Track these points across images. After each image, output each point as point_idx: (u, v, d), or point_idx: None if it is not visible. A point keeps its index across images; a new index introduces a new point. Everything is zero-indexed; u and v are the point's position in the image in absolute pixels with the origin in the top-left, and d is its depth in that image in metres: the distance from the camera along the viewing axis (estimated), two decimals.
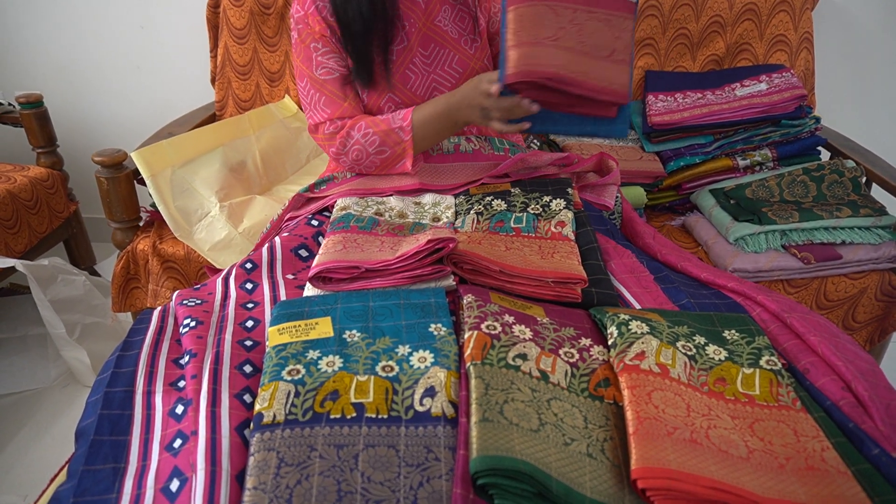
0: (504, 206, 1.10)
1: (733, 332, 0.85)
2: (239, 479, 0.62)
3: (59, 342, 1.62)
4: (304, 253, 1.04)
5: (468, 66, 1.20)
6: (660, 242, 1.18)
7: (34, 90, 1.79)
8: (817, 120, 1.54)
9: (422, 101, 1.17)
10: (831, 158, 1.55)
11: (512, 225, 1.05)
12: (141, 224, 1.49)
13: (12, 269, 1.57)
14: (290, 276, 0.99)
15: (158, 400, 0.74)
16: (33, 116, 1.75)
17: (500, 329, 0.78)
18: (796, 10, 1.68)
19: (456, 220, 1.09)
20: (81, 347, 1.60)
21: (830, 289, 1.34)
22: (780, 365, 0.79)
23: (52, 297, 1.58)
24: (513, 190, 1.14)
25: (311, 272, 0.88)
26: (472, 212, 1.10)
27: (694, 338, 0.82)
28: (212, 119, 1.82)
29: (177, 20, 1.94)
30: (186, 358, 0.77)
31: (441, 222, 1.07)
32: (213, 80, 1.84)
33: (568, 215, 1.05)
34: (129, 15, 1.95)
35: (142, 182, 1.41)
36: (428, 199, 1.14)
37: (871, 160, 1.50)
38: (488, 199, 1.12)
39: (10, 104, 1.84)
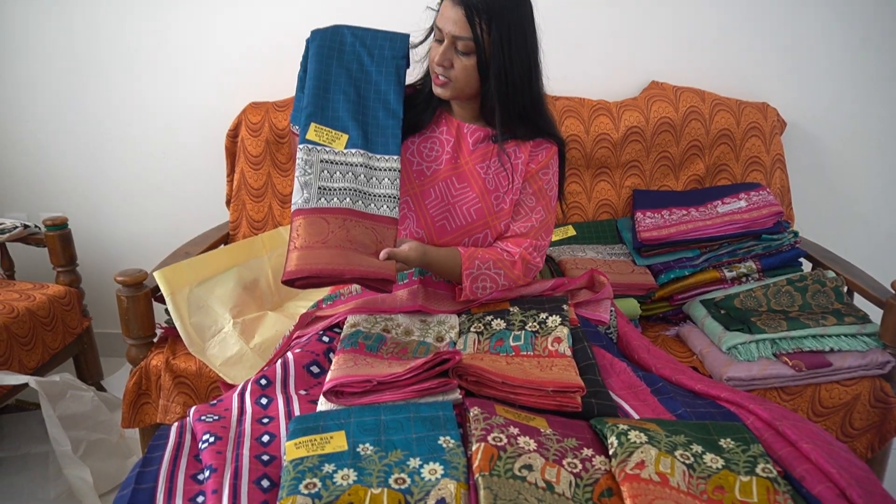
0: (503, 324, 1.17)
1: (729, 440, 0.89)
2: None
3: (62, 460, 1.62)
4: (315, 370, 1.09)
5: (483, 218, 1.24)
6: (655, 356, 1.24)
7: (58, 211, 1.90)
8: (795, 234, 1.64)
9: (432, 220, 1.25)
10: (813, 269, 1.64)
11: (511, 343, 1.11)
12: (155, 340, 1.55)
13: (23, 386, 1.60)
14: (302, 392, 1.03)
15: None
16: (57, 238, 1.84)
17: (505, 440, 0.82)
18: (766, 136, 1.84)
19: (458, 339, 1.15)
20: (85, 465, 1.60)
21: (824, 396, 1.38)
22: (776, 472, 0.82)
23: (60, 414, 1.59)
24: (511, 308, 1.21)
25: (326, 387, 0.93)
26: (472, 331, 1.16)
27: (691, 446, 0.86)
28: (226, 238, 1.93)
29: (196, 148, 2.09)
30: (206, 473, 0.80)
31: (444, 343, 1.13)
32: (228, 202, 1.96)
33: (564, 331, 1.11)
34: (153, 143, 2.11)
35: (158, 299, 1.48)
36: (433, 317, 1.20)
37: (849, 270, 1.58)
38: (488, 318, 1.19)
39: (35, 226, 1.94)
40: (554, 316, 1.16)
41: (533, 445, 0.83)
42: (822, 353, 1.38)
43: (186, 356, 1.46)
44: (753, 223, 1.60)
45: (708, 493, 0.78)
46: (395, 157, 1.19)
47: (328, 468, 0.79)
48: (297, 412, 0.96)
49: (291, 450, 0.81)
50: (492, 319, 1.18)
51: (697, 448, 0.86)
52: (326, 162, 1.17)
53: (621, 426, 0.87)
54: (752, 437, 0.89)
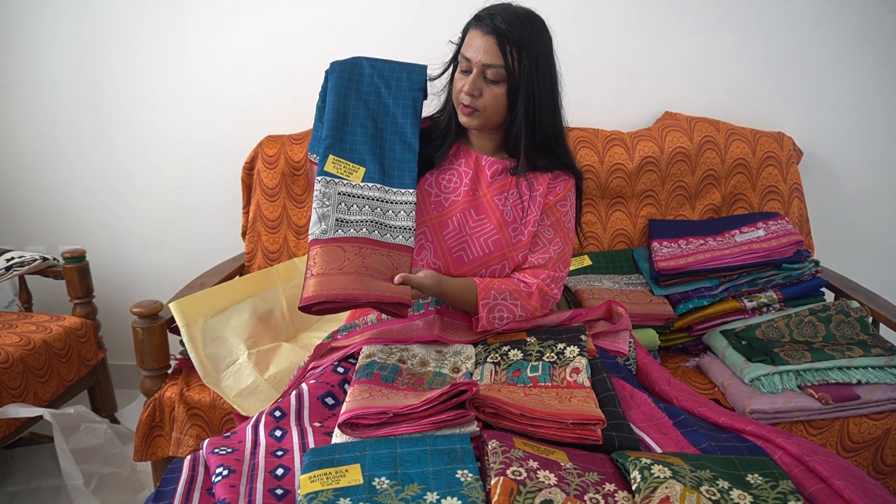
0: (520, 355, 1.15)
1: (756, 476, 0.86)
2: None
3: (74, 494, 1.60)
4: (330, 401, 1.08)
5: (501, 250, 1.24)
6: (676, 388, 1.21)
7: (77, 244, 1.92)
8: (816, 263, 1.61)
9: (449, 251, 1.25)
10: (836, 299, 1.60)
11: (528, 374, 1.09)
12: (169, 371, 1.54)
13: (37, 419, 1.59)
14: (317, 424, 1.02)
15: None
16: (75, 270, 1.86)
17: (525, 475, 0.80)
18: (783, 164, 1.82)
19: (475, 370, 1.13)
20: (96, 499, 1.58)
21: (853, 430, 1.34)
22: None
23: (73, 447, 1.58)
24: (528, 339, 1.19)
25: (341, 419, 0.92)
26: (489, 362, 1.14)
27: (717, 482, 0.83)
28: (241, 269, 1.94)
29: (212, 180, 2.12)
30: None
31: (460, 374, 1.11)
32: (243, 234, 1.97)
33: (582, 362, 1.09)
34: (171, 176, 2.14)
35: (174, 331, 1.48)
36: (449, 347, 1.19)
37: (874, 300, 1.55)
38: (505, 348, 1.17)
39: (54, 258, 1.96)
40: (572, 346, 1.14)
41: (553, 480, 0.80)
42: (850, 386, 1.34)
43: (200, 387, 1.45)
44: (773, 252, 1.58)
45: None
46: (411, 191, 1.21)
47: (343, 502, 0.77)
48: (311, 444, 0.94)
49: (306, 483, 0.80)
50: (509, 350, 1.16)
51: (724, 483, 0.83)
52: (344, 195, 1.19)
53: (644, 460, 0.84)
54: (781, 473, 0.86)
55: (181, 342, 1.46)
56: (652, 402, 1.09)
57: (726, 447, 0.95)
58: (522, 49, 1.16)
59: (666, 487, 0.78)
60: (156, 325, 1.44)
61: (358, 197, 1.19)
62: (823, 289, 1.64)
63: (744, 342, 1.48)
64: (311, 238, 1.16)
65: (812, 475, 0.88)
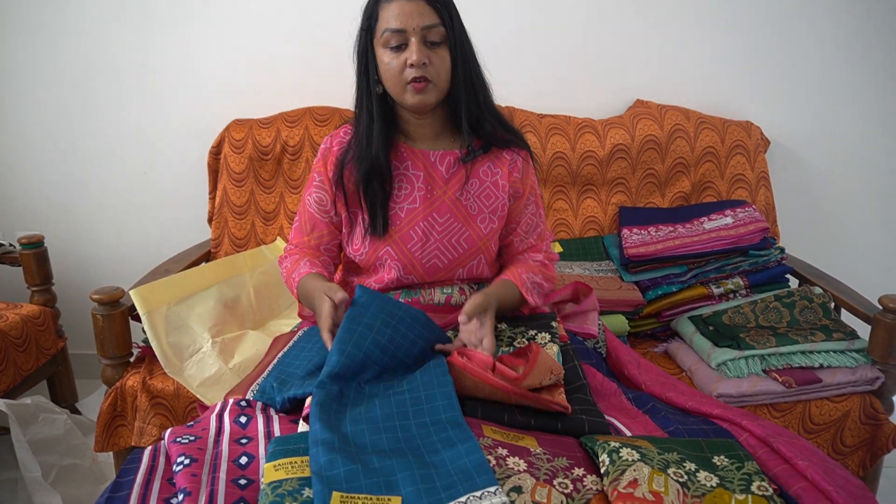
0: None
1: (723, 457, 0.87)
2: None
3: (32, 487, 1.55)
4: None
5: (475, 245, 1.19)
6: (645, 370, 1.21)
7: (36, 230, 1.85)
8: (782, 250, 1.64)
9: (419, 264, 1.17)
10: (800, 285, 1.63)
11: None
12: (131, 360, 1.50)
13: None
14: (283, 413, 1.00)
15: None
16: (32, 256, 1.79)
17: (494, 463, 0.79)
18: (751, 153, 1.84)
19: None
20: (56, 492, 1.53)
21: (815, 412, 1.36)
22: (771, 490, 0.80)
23: (30, 438, 1.53)
24: (499, 325, 1.18)
25: (306, 411, 0.90)
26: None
27: (684, 464, 0.83)
28: (207, 256, 1.89)
29: (178, 165, 2.06)
30: (180, 497, 0.76)
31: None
32: (210, 220, 1.93)
33: (553, 349, 1.09)
34: (135, 160, 2.08)
35: (135, 318, 1.44)
36: None
37: (836, 286, 1.58)
38: None
39: (10, 244, 1.89)
40: (543, 333, 1.14)
41: (523, 466, 0.80)
42: (812, 369, 1.37)
43: (164, 376, 1.41)
44: (740, 239, 1.60)
45: None
46: (495, 489, 0.72)
47: (308, 493, 0.75)
48: (277, 432, 0.92)
49: (270, 472, 0.78)
50: None
51: (691, 466, 0.83)
52: None
53: (613, 443, 0.84)
54: (747, 455, 0.87)
55: (143, 330, 1.42)
56: (621, 393, 1.10)
57: (693, 430, 0.96)
58: (445, 4, 1.10)
59: (634, 470, 0.78)
60: (116, 312, 1.40)
61: None
62: (788, 275, 1.67)
63: (711, 328, 1.50)
64: None
65: (776, 456, 0.90)
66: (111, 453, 1.50)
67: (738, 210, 1.71)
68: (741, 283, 1.61)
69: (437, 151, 1.21)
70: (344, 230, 1.24)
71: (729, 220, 1.67)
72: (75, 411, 1.95)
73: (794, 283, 1.70)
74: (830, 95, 1.96)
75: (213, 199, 1.92)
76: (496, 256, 1.28)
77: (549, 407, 0.93)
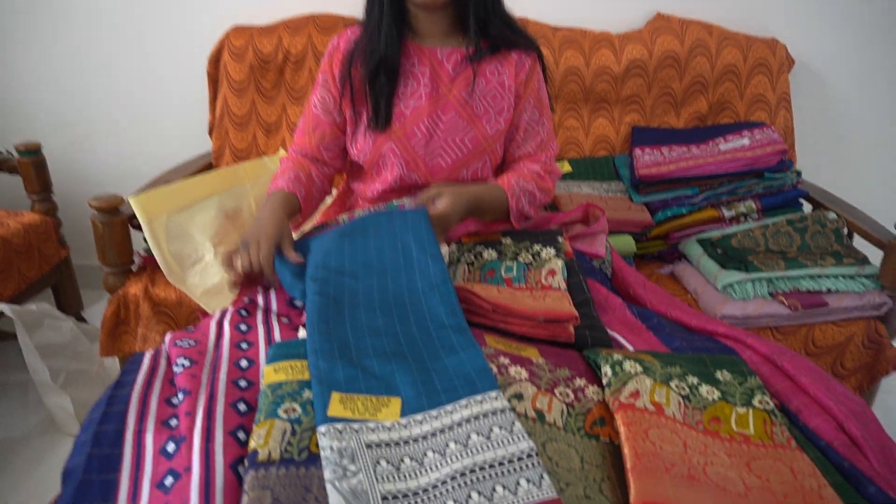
0: (495, 255, 1.12)
1: (725, 373, 0.86)
2: None
3: (41, 389, 1.59)
4: (298, 302, 1.04)
5: (480, 145, 1.17)
6: (650, 291, 1.20)
7: (33, 139, 1.81)
8: (798, 174, 1.59)
9: (422, 162, 1.17)
10: (813, 210, 1.59)
11: (503, 275, 1.07)
12: (134, 269, 1.49)
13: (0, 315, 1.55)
14: (284, 320, 0.99)
15: (149, 438, 0.73)
16: (31, 164, 1.76)
17: (495, 371, 0.79)
18: (773, 73, 1.76)
19: (448, 269, 1.10)
20: (65, 394, 1.57)
21: (818, 336, 1.36)
22: (772, 405, 0.80)
23: (37, 343, 1.55)
24: (504, 240, 1.16)
25: (304, 318, 0.89)
26: (462, 262, 1.12)
27: (687, 378, 0.83)
28: (208, 168, 1.85)
29: (178, 74, 1.99)
30: (180, 396, 0.76)
31: None
32: (210, 131, 1.88)
33: (558, 264, 1.07)
34: (133, 69, 2.00)
35: (136, 226, 1.42)
36: None
37: (850, 212, 1.54)
38: (479, 248, 1.14)
39: (8, 152, 1.86)
40: (548, 248, 1.11)
41: (525, 375, 0.79)
42: (819, 294, 1.36)
43: (166, 285, 1.41)
44: (756, 161, 1.54)
45: (704, 424, 0.75)
46: (495, 393, 0.72)
47: (308, 394, 0.75)
48: (277, 339, 0.91)
49: (270, 374, 0.77)
50: (483, 250, 1.13)
51: (693, 380, 0.83)
52: (380, 445, 0.67)
53: (616, 356, 0.83)
54: (749, 371, 0.87)
55: (144, 239, 1.41)
56: (626, 308, 1.09)
57: (697, 347, 0.95)
58: None
59: (636, 382, 0.78)
60: (116, 219, 1.38)
61: (404, 444, 0.68)
62: (802, 200, 1.63)
63: (719, 250, 1.47)
64: None
65: (779, 374, 0.89)
66: (117, 359, 1.52)
67: (756, 131, 1.64)
68: (753, 206, 1.57)
69: (445, 49, 1.18)
70: (348, 130, 1.22)
71: (746, 141, 1.61)
72: (81, 320, 1.97)
73: (807, 209, 1.67)
74: (862, 18, 1.85)
75: (213, 109, 1.86)
76: (502, 163, 1.24)
77: (554, 336, 0.92)
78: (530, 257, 1.10)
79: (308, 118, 1.24)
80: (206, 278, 1.37)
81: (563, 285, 1.03)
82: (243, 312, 0.99)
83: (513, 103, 1.18)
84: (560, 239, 1.14)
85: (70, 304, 1.95)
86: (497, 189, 1.16)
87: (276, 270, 1.01)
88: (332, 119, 1.22)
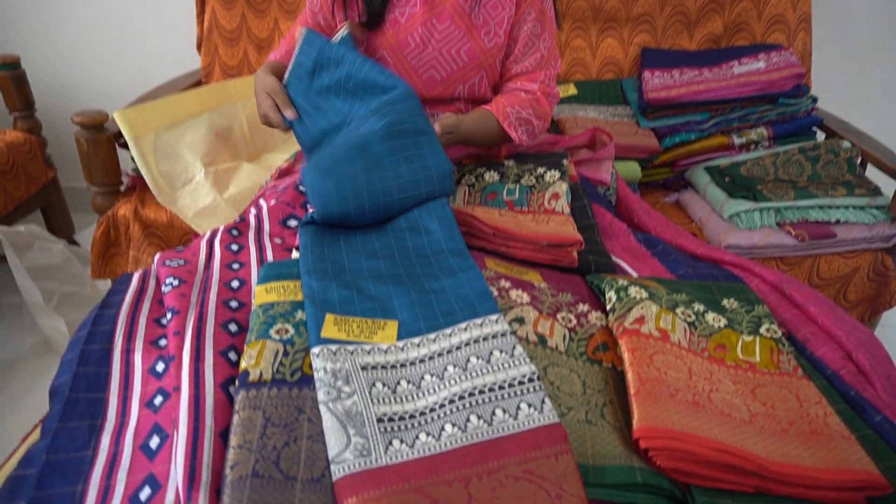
0: (497, 177, 1.07)
1: (732, 300, 0.83)
2: (223, 436, 0.59)
3: (35, 311, 1.58)
4: (292, 223, 1.00)
5: (476, 58, 1.10)
6: (654, 219, 1.17)
7: (11, 52, 1.72)
8: (814, 100, 1.53)
9: (416, 73, 1.11)
10: (826, 139, 1.54)
11: (504, 198, 1.03)
12: (122, 189, 1.45)
13: None
14: (277, 241, 0.95)
15: (138, 358, 0.71)
16: (10, 78, 1.68)
17: (496, 294, 0.76)
18: None
19: None
20: (59, 316, 1.56)
21: (823, 267, 1.34)
22: (780, 333, 0.78)
23: (28, 265, 1.53)
24: (506, 162, 1.11)
25: (297, 240, 0.85)
26: (463, 184, 1.07)
27: (693, 305, 0.80)
28: (197, 86, 1.77)
29: None
30: (169, 316, 0.74)
31: None
32: (198, 46, 1.78)
33: (562, 187, 1.03)
34: None
35: (123, 145, 1.36)
36: None
37: (866, 141, 1.49)
38: (480, 170, 1.09)
39: None
40: (552, 171, 1.07)
41: (526, 299, 0.77)
42: (828, 224, 1.32)
43: (156, 206, 1.37)
44: (771, 85, 1.47)
45: (709, 351, 0.73)
46: (495, 317, 0.69)
47: (301, 315, 0.72)
48: (270, 260, 0.88)
49: (262, 294, 0.74)
50: (484, 171, 1.09)
51: (699, 307, 0.80)
52: (375, 368, 0.65)
53: (621, 281, 0.81)
54: (757, 299, 0.84)
55: (132, 158, 1.35)
56: (630, 234, 1.05)
57: (703, 274, 0.92)
58: None
59: (641, 308, 0.75)
60: (101, 136, 1.32)
61: (401, 367, 0.65)
62: (815, 129, 1.57)
63: (727, 179, 1.43)
64: (339, 475, 0.55)
65: (786, 303, 0.87)
66: (109, 282, 1.50)
67: (773, 54, 1.56)
68: (765, 133, 1.51)
69: None
70: None
71: (761, 64, 1.53)
72: (73, 243, 1.94)
73: (820, 138, 1.61)
74: None
75: (200, 22, 1.76)
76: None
77: (557, 260, 0.88)
78: (533, 180, 1.06)
79: (300, 23, 1.16)
80: (197, 199, 1.32)
81: (567, 209, 0.99)
82: (234, 232, 0.96)
83: (513, 14, 1.10)
84: (565, 162, 1.09)
85: (60, 227, 1.92)
86: (490, 118, 1.09)
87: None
88: (325, 24, 1.14)
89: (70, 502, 0.56)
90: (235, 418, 0.59)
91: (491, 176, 1.08)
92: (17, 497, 0.57)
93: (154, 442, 0.60)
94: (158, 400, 0.64)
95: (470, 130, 1.06)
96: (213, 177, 1.34)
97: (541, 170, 1.07)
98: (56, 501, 0.56)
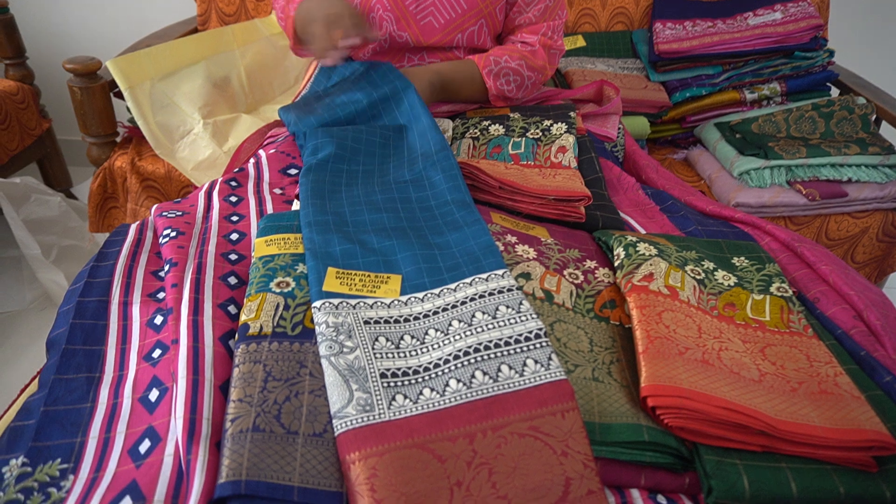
0: (502, 130, 1.04)
1: (743, 259, 0.82)
2: (223, 389, 0.58)
3: (34, 264, 1.56)
4: (292, 171, 0.98)
5: (475, 6, 1.06)
6: (663, 176, 1.14)
7: None
8: (831, 53, 1.48)
9: (413, 19, 1.06)
10: (841, 95, 1.49)
11: (510, 151, 1.00)
12: (118, 140, 1.41)
13: None
14: (277, 191, 0.93)
15: (136, 311, 0.69)
16: None
17: (502, 249, 0.74)
18: None
19: (451, 145, 1.03)
20: (58, 270, 1.54)
21: (833, 227, 1.31)
22: (791, 292, 0.76)
23: (25, 217, 1.51)
24: (511, 114, 1.08)
25: (297, 189, 0.83)
26: (467, 136, 1.04)
27: (703, 263, 0.79)
28: (192, 34, 1.71)
29: None
30: (167, 268, 0.72)
31: None
32: None
33: (569, 140, 1.00)
34: None
35: (118, 95, 1.32)
36: None
37: (881, 97, 1.45)
38: (485, 123, 1.06)
39: None
40: (559, 123, 1.03)
41: (532, 254, 0.75)
42: (839, 183, 1.29)
43: (153, 158, 1.34)
44: (788, 37, 1.42)
45: (718, 310, 0.72)
46: (502, 272, 0.67)
47: (302, 268, 0.70)
48: (270, 212, 0.86)
49: (261, 246, 0.73)
50: (490, 124, 1.05)
51: (709, 265, 0.79)
52: (379, 322, 0.63)
53: (629, 238, 0.79)
54: (768, 257, 0.82)
55: (128, 108, 1.32)
56: (639, 188, 1.03)
57: (713, 231, 0.90)
58: None
59: (650, 265, 0.73)
60: (95, 85, 1.28)
61: (406, 321, 0.64)
62: (830, 85, 1.53)
63: (738, 136, 1.39)
64: (341, 429, 0.54)
65: (798, 261, 0.85)
66: (107, 234, 1.48)
67: (790, 4, 1.50)
68: (778, 89, 1.47)
69: None
70: None
71: (778, 14, 1.48)
72: (71, 196, 1.92)
73: (834, 94, 1.56)
74: None
75: None
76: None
77: (564, 215, 0.86)
78: (540, 133, 1.03)
79: None
80: (195, 152, 1.29)
81: (574, 163, 0.96)
82: (233, 183, 0.93)
83: None
84: (572, 114, 1.06)
85: (58, 180, 1.89)
86: (469, 64, 1.05)
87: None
88: None
89: (69, 453, 0.56)
90: (235, 372, 0.58)
91: (496, 129, 1.04)
92: (15, 448, 0.56)
93: (153, 395, 0.59)
94: (157, 353, 0.63)
95: (449, 79, 1.03)
96: (211, 128, 1.31)
97: (547, 122, 1.04)
98: (55, 452, 0.55)
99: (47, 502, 0.52)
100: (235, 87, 1.44)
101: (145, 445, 0.55)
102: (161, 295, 0.72)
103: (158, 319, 0.67)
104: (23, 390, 0.67)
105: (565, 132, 1.01)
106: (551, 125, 1.03)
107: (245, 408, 0.55)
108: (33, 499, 0.52)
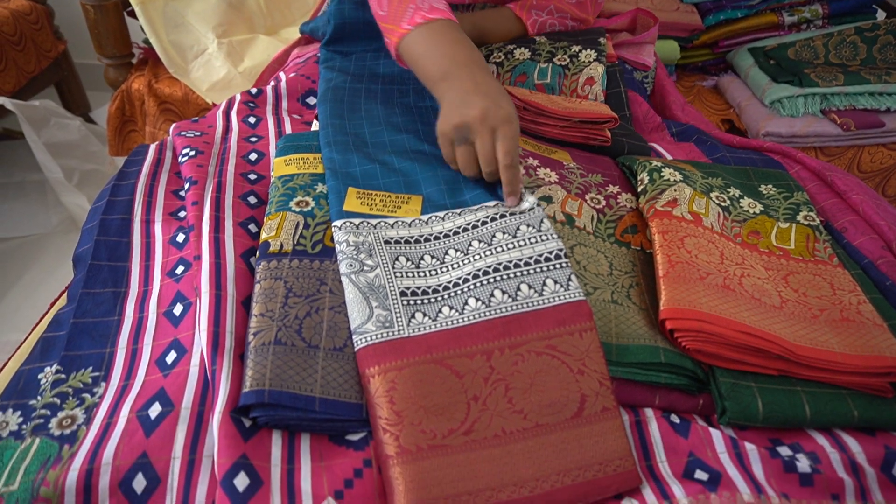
0: (528, 54, 1.00)
1: (770, 186, 0.80)
2: (245, 304, 0.59)
3: (57, 187, 1.58)
4: (311, 101, 0.96)
5: None
6: (689, 115, 1.10)
7: None
8: None
9: None
10: (888, 18, 1.41)
11: (535, 80, 0.96)
12: (134, 62, 1.39)
13: (7, 113, 1.49)
14: (296, 116, 0.92)
15: (158, 228, 0.70)
16: None
17: (523, 172, 0.73)
18: None
19: None
20: (81, 193, 1.56)
21: (865, 159, 1.27)
22: (818, 221, 0.74)
23: (46, 141, 1.51)
24: (538, 38, 1.03)
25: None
26: (491, 61, 1.01)
27: (728, 190, 0.77)
28: None
29: None
30: (186, 185, 0.72)
31: None
32: None
33: (598, 70, 0.95)
34: None
35: (132, 14, 1.29)
36: None
37: None
38: (510, 46, 1.02)
39: None
40: (588, 50, 0.99)
41: (554, 178, 0.73)
42: (877, 112, 1.24)
43: (170, 80, 1.32)
44: None
45: (742, 237, 0.71)
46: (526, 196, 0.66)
47: (322, 188, 0.70)
48: (288, 132, 0.85)
49: (280, 166, 0.72)
50: (514, 48, 1.01)
51: (735, 192, 0.77)
52: (399, 242, 0.63)
53: (654, 163, 0.77)
54: (797, 185, 0.80)
55: (142, 28, 1.29)
56: (665, 128, 1.00)
57: (741, 159, 0.88)
58: None
59: (675, 190, 0.72)
60: (109, 3, 1.25)
61: (426, 241, 0.63)
62: (876, 7, 1.44)
63: (772, 62, 1.33)
64: (360, 345, 0.55)
65: (827, 190, 0.83)
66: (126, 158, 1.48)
67: None
68: (819, 11, 1.39)
69: None
70: None
71: None
72: (90, 120, 1.91)
73: (880, 17, 1.47)
74: None
75: None
76: None
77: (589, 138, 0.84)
78: (567, 59, 0.99)
79: None
80: (210, 72, 1.27)
81: (602, 97, 0.93)
82: (251, 105, 0.92)
83: None
84: (602, 40, 1.01)
85: (76, 104, 1.88)
86: (505, 12, 1.00)
87: None
88: None
89: (99, 363, 0.58)
90: (257, 288, 0.59)
91: (522, 53, 1.00)
92: (49, 356, 0.58)
93: (177, 309, 0.60)
94: (180, 269, 0.64)
95: (487, 31, 0.98)
96: (226, 48, 1.28)
97: (575, 48, 1.00)
98: (86, 362, 0.57)
99: (82, 406, 0.54)
100: (252, 7, 1.39)
101: (171, 356, 0.56)
102: (182, 214, 0.72)
103: (181, 237, 0.68)
104: (52, 304, 0.69)
105: (594, 60, 0.97)
106: (580, 51, 0.99)
107: (267, 322, 0.56)
108: (69, 402, 0.54)
